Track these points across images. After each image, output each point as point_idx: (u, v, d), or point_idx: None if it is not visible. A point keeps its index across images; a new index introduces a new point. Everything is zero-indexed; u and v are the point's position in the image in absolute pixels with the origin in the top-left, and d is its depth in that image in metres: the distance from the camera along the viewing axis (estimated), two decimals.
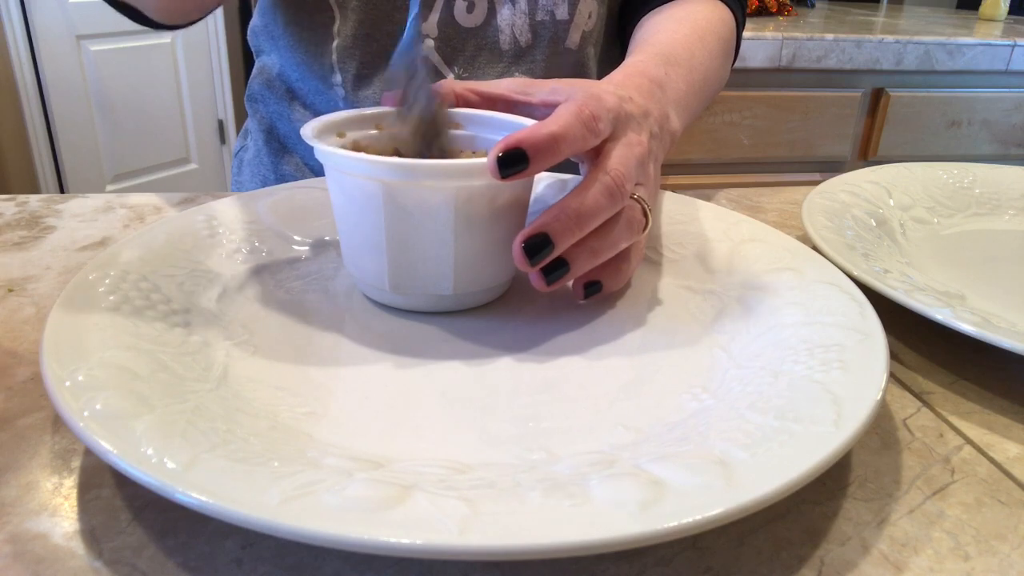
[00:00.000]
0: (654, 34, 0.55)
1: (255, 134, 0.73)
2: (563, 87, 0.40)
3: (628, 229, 0.37)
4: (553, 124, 0.35)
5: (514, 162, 0.33)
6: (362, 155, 0.36)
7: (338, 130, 0.41)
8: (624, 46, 0.67)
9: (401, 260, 0.37)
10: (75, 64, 2.24)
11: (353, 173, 0.36)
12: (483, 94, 0.43)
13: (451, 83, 0.43)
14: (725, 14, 0.61)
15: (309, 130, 0.38)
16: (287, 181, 0.69)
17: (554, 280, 0.36)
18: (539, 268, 0.35)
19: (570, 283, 0.39)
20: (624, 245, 0.37)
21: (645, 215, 0.38)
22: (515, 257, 0.35)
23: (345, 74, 0.62)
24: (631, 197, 0.37)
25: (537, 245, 0.34)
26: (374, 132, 0.42)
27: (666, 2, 0.61)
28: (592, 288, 0.38)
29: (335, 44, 0.62)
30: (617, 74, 0.44)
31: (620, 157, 0.37)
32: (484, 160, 0.34)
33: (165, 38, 2.45)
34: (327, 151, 0.36)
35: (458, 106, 0.43)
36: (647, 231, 0.39)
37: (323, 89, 0.64)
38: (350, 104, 0.63)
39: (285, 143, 0.70)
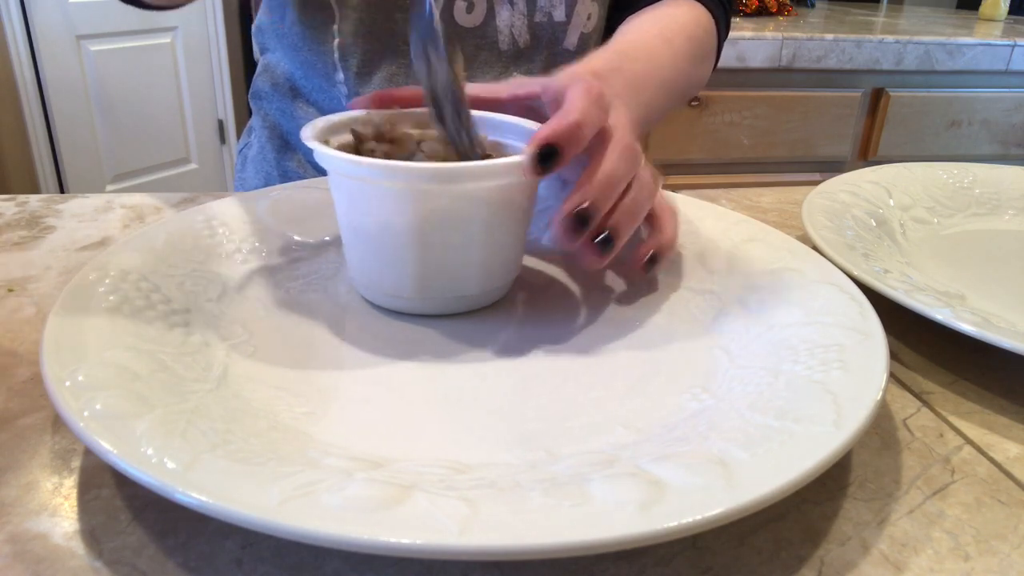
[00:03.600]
0: (622, 35, 0.57)
1: (259, 131, 0.73)
2: (527, 80, 0.42)
3: (646, 191, 0.38)
4: (573, 112, 0.35)
5: (548, 157, 0.34)
6: (394, 162, 0.35)
7: (323, 137, 0.39)
8: None
9: (430, 265, 0.37)
10: (75, 64, 2.24)
11: (380, 181, 0.35)
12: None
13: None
14: (702, 17, 0.61)
15: (315, 144, 0.36)
16: (290, 178, 0.69)
17: (608, 250, 0.36)
18: (589, 244, 0.36)
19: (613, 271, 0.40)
20: (648, 207, 0.39)
21: (654, 177, 0.39)
22: (560, 236, 0.35)
23: (347, 72, 0.63)
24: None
25: (582, 217, 0.35)
26: (350, 138, 0.41)
27: (647, 4, 0.62)
28: (652, 262, 0.40)
29: (336, 42, 0.62)
30: (563, 72, 0.44)
31: (619, 127, 0.38)
32: (517, 159, 0.35)
33: (165, 38, 2.45)
34: (347, 160, 0.35)
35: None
36: (659, 191, 0.40)
37: (326, 87, 0.65)
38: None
39: (288, 140, 0.71)
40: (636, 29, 0.57)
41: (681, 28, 0.58)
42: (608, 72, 0.46)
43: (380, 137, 0.41)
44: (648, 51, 0.52)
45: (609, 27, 0.69)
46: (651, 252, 0.40)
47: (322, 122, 0.40)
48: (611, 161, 0.36)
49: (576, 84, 0.37)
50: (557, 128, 0.34)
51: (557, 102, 0.38)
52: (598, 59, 0.48)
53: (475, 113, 0.42)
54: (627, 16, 0.62)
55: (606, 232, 0.36)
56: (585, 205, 0.35)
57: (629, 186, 0.38)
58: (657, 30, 0.56)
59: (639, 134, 0.46)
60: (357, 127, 0.41)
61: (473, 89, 0.44)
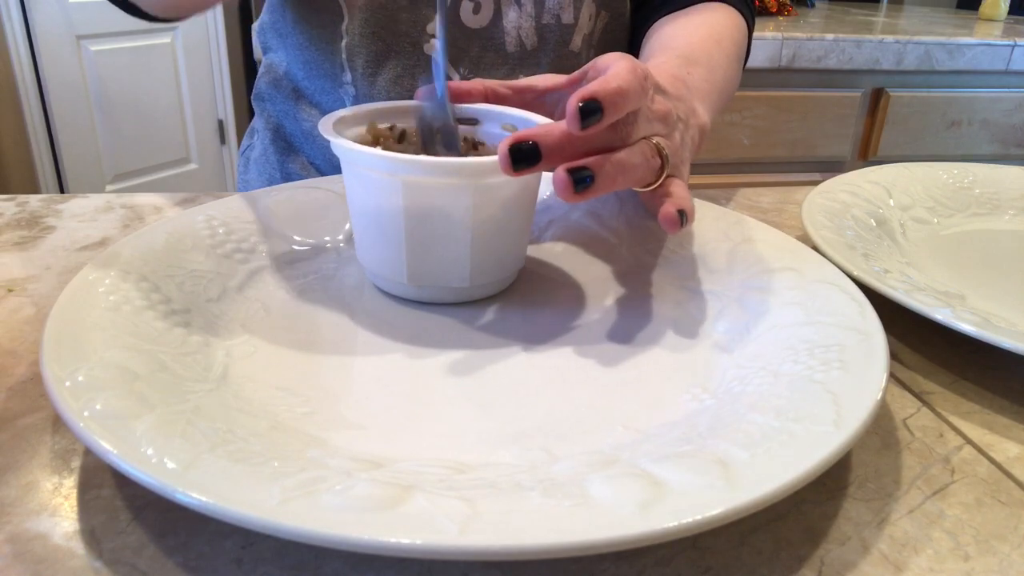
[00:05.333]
0: (672, 39, 0.56)
1: (262, 133, 0.73)
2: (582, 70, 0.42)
3: (644, 161, 0.37)
4: (616, 79, 0.34)
5: (591, 114, 0.33)
6: (384, 152, 0.36)
7: (356, 123, 0.42)
8: (632, 50, 0.67)
9: (420, 254, 0.38)
10: (75, 64, 2.24)
11: (373, 169, 0.37)
12: (514, 88, 0.46)
13: (484, 82, 0.45)
14: (738, 20, 0.61)
15: (328, 125, 0.39)
16: (293, 180, 0.69)
17: (583, 188, 0.34)
18: (569, 175, 0.34)
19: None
20: (639, 175, 0.37)
21: (661, 156, 0.38)
22: (569, 117, 0.33)
23: (354, 72, 0.62)
24: (647, 138, 0.37)
25: (591, 109, 0.33)
26: (386, 127, 0.43)
27: (678, 8, 0.62)
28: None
29: (344, 42, 0.62)
30: (613, 54, 0.44)
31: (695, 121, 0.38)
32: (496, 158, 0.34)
33: (165, 38, 2.45)
34: (348, 147, 0.37)
35: (490, 102, 0.45)
36: (664, 176, 0.38)
37: (330, 88, 0.64)
38: (358, 103, 0.63)
39: (292, 142, 0.70)
40: (684, 33, 0.56)
41: (727, 32, 0.58)
42: (684, 77, 0.45)
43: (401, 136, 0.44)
44: (707, 55, 0.52)
45: (632, 31, 0.68)
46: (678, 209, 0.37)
47: (339, 114, 0.41)
48: (622, 75, 0.35)
49: (623, 60, 0.37)
50: (602, 86, 0.33)
51: (598, 71, 0.38)
52: (669, 63, 0.47)
53: (483, 106, 0.44)
54: (652, 20, 0.62)
55: (588, 171, 0.34)
56: (594, 99, 0.33)
57: (631, 147, 0.36)
58: (706, 33, 0.56)
59: (703, 140, 0.46)
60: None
61: (528, 81, 0.45)
